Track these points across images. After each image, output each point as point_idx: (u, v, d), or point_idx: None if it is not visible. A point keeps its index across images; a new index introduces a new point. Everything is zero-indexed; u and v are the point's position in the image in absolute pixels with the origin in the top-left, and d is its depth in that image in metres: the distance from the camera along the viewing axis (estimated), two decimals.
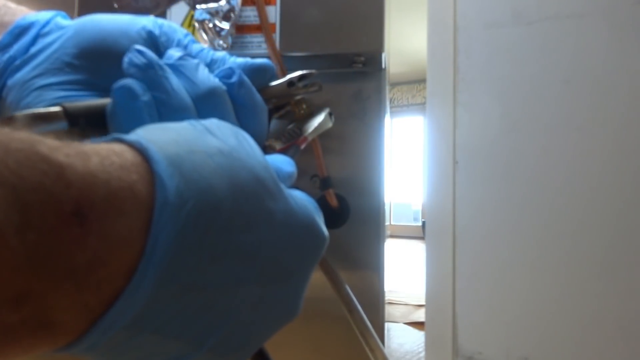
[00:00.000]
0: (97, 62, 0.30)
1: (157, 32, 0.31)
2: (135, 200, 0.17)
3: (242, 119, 0.30)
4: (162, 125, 0.21)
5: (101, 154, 0.17)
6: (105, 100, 0.28)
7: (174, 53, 0.30)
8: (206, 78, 0.29)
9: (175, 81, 0.28)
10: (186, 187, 0.18)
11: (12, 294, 0.14)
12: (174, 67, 0.29)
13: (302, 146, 0.33)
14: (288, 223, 0.22)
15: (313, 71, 0.34)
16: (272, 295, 0.22)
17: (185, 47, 0.32)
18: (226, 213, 0.19)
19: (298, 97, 0.35)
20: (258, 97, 0.30)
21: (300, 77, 0.33)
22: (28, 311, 0.14)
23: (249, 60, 0.33)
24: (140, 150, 0.18)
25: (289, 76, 0.33)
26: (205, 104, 0.28)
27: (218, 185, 0.19)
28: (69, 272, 0.15)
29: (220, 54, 0.32)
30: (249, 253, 0.20)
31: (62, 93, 0.29)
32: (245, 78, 0.31)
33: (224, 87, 0.30)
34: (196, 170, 0.19)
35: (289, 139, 0.33)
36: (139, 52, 0.28)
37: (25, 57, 0.29)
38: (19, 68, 0.29)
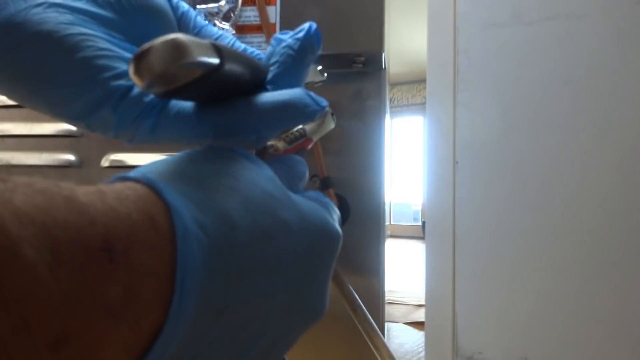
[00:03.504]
0: (126, 5, 0.27)
1: None
2: (157, 231, 0.17)
3: None
4: (162, 160, 0.21)
5: (115, 189, 0.17)
6: (253, 60, 0.24)
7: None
8: None
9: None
10: (201, 213, 0.18)
11: (51, 338, 0.13)
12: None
13: (308, 148, 0.33)
14: (302, 228, 0.22)
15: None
16: (299, 301, 0.22)
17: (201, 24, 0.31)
18: (244, 231, 0.19)
19: None
20: None
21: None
22: (68, 355, 0.14)
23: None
24: (148, 184, 0.18)
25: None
26: None
27: (230, 205, 0.19)
28: (105, 309, 0.15)
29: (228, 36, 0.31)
30: (273, 265, 0.20)
31: (75, 19, 0.25)
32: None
33: None
34: (206, 195, 0.19)
35: (293, 140, 0.33)
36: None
37: None
38: None
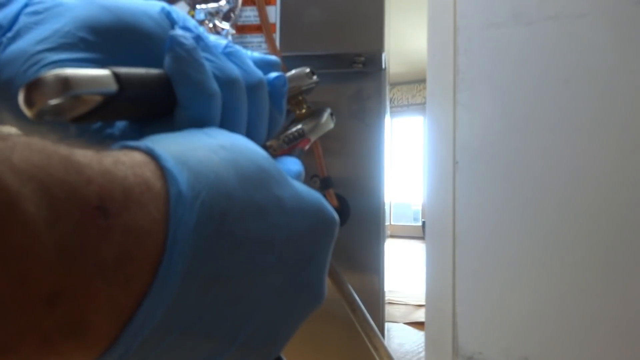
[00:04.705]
0: (116, 41, 0.26)
1: (174, 15, 0.29)
2: (151, 194, 0.17)
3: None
4: (162, 134, 0.22)
5: (113, 154, 0.18)
6: (156, 71, 0.24)
7: (220, 41, 0.28)
8: (256, 69, 0.29)
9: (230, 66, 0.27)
10: (196, 179, 0.18)
11: (45, 293, 0.14)
12: (227, 54, 0.28)
13: (305, 148, 0.33)
14: (298, 208, 0.22)
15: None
16: (294, 282, 0.22)
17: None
18: (238, 202, 0.19)
19: (299, 97, 0.34)
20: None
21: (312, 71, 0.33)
22: (61, 313, 0.14)
23: (264, 56, 0.32)
24: (147, 151, 0.19)
25: (298, 69, 0.33)
26: (253, 94, 0.28)
27: (226, 176, 0.20)
28: (98, 267, 0.15)
29: (234, 46, 0.31)
30: (266, 240, 0.20)
31: None
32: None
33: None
34: (203, 164, 0.19)
35: (291, 140, 0.32)
36: (187, 29, 0.26)
37: (19, 28, 0.26)
38: (12, 40, 0.25)
